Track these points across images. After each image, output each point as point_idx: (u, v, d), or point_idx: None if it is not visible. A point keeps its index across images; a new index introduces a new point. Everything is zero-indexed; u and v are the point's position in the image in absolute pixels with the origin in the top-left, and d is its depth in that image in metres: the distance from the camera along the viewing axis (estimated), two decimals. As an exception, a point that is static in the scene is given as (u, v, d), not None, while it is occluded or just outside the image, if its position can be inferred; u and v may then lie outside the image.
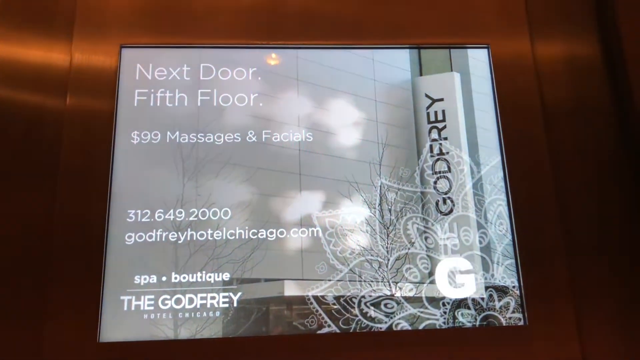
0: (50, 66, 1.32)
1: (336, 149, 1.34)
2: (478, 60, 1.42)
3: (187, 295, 1.20)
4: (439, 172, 1.33)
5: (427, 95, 1.39)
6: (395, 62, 1.41)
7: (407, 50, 1.42)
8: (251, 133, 1.32)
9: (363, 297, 1.23)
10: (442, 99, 1.39)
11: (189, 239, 1.23)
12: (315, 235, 1.27)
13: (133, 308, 1.18)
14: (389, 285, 1.24)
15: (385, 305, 1.23)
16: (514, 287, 1.26)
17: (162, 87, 1.33)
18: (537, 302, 1.24)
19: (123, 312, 1.18)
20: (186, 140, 1.30)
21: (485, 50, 1.42)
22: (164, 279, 1.20)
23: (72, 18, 1.35)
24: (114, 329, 1.16)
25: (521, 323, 1.23)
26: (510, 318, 1.24)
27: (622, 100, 1.38)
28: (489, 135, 1.36)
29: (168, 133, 1.30)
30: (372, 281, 1.24)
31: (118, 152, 1.27)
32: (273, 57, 1.39)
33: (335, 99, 1.37)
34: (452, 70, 1.41)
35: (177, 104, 1.32)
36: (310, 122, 1.35)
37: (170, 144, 1.29)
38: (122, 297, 1.18)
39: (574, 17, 1.47)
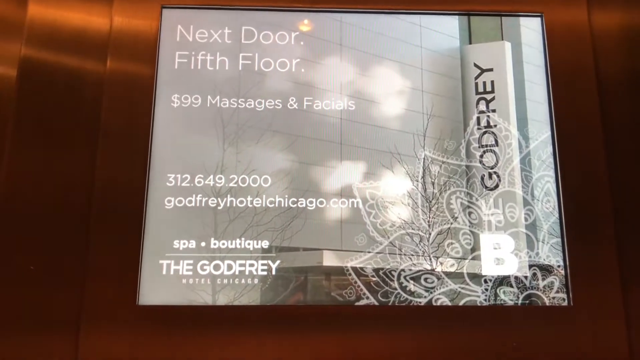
0: (90, 28, 1.30)
1: (379, 118, 1.30)
2: (530, 29, 1.35)
3: (226, 262, 1.19)
4: (486, 146, 1.29)
5: (475, 65, 1.34)
6: (444, 29, 1.35)
7: (457, 17, 1.35)
8: (292, 100, 1.29)
9: (403, 270, 1.21)
10: (491, 69, 1.33)
11: (228, 205, 1.22)
12: (355, 206, 1.24)
13: (172, 272, 1.18)
14: (430, 259, 1.22)
15: (426, 279, 1.21)
16: (559, 266, 1.22)
17: (203, 50, 1.30)
18: (582, 283, 1.20)
19: (162, 276, 1.18)
20: (227, 105, 1.27)
21: (539, 19, 1.35)
22: (203, 244, 1.20)
23: (113, -23, 1.32)
24: (152, 292, 1.17)
25: (565, 303, 1.20)
26: (554, 298, 1.20)
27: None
28: (539, 109, 1.30)
29: (209, 97, 1.27)
30: (412, 255, 1.22)
31: (158, 115, 1.25)
32: (315, 22, 1.34)
33: (379, 66, 1.32)
34: (502, 39, 1.35)
35: (217, 67, 1.29)
36: (353, 89, 1.31)
37: (210, 108, 1.27)
38: (161, 261, 1.18)
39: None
